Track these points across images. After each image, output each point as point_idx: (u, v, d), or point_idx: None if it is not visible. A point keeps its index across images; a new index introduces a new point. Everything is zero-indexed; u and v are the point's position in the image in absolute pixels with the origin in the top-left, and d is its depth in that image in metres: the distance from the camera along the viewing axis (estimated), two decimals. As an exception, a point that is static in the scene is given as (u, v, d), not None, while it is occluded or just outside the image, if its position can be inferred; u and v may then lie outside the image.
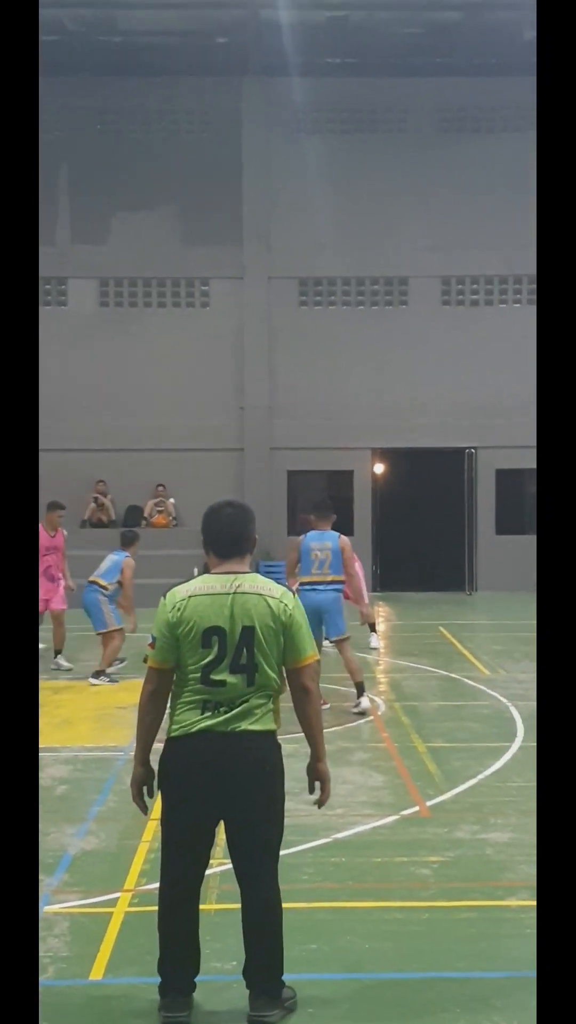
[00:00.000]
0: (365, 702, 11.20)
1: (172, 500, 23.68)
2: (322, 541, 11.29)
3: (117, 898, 6.12)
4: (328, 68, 23.56)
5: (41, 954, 5.35)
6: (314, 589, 11.02)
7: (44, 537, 14.10)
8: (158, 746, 4.78)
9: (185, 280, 24.21)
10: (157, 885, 4.87)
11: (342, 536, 11.45)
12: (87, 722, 10.92)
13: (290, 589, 4.84)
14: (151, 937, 4.87)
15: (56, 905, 6.02)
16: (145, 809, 4.82)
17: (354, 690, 11.25)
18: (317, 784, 4.88)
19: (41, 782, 8.70)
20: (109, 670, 13.02)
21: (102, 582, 13.20)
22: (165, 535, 22.56)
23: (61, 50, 22.38)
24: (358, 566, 12.58)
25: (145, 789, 4.79)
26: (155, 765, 4.78)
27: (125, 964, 5.26)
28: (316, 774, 4.87)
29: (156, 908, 4.80)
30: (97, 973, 5.19)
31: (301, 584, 11.04)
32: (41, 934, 5.60)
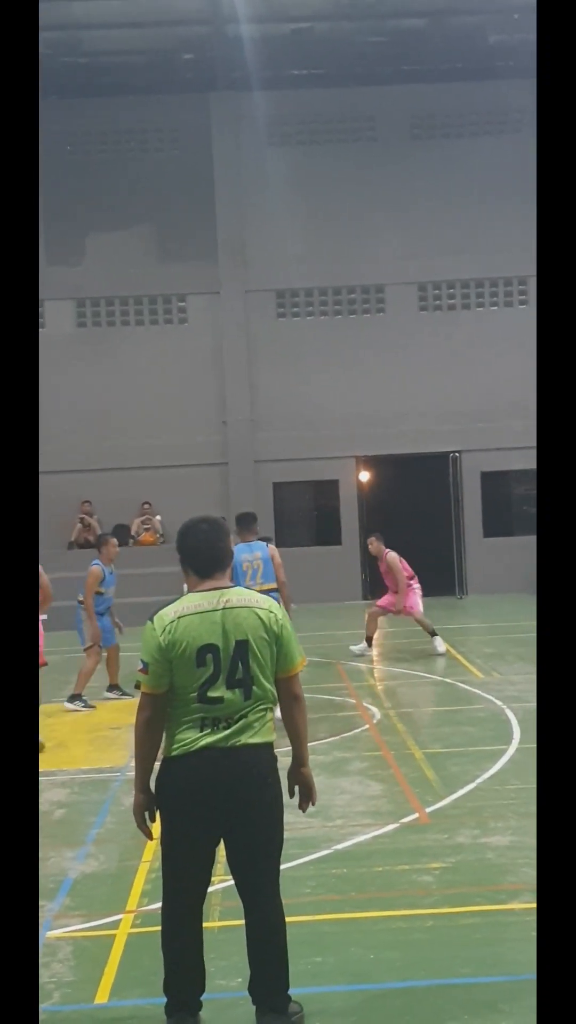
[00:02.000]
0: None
1: (159, 517, 23.65)
2: (252, 552, 11.45)
3: (119, 920, 6.09)
4: (295, 80, 23.66)
5: (45, 980, 5.33)
6: None
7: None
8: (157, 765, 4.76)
9: (162, 297, 24.23)
10: (159, 905, 4.84)
11: (270, 544, 11.65)
12: (82, 744, 10.88)
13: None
14: (155, 958, 4.84)
15: (59, 930, 5.98)
16: (150, 835, 4.78)
17: None
18: (298, 789, 4.89)
19: (40, 807, 8.68)
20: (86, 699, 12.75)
21: (80, 598, 12.93)
22: (152, 553, 22.53)
23: (28, 73, 22.41)
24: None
25: (147, 814, 4.76)
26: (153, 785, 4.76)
27: (130, 986, 5.23)
28: (300, 778, 4.87)
29: (159, 928, 4.77)
30: (102, 996, 5.16)
31: None
32: (44, 959, 5.57)
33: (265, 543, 11.54)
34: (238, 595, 4.73)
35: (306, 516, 24.74)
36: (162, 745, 4.71)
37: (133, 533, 23.61)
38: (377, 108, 24.16)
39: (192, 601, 4.71)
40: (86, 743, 10.91)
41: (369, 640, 15.62)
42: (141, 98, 23.68)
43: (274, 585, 11.38)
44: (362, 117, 24.22)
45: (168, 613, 4.69)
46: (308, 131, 24.20)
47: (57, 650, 14.20)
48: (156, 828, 4.80)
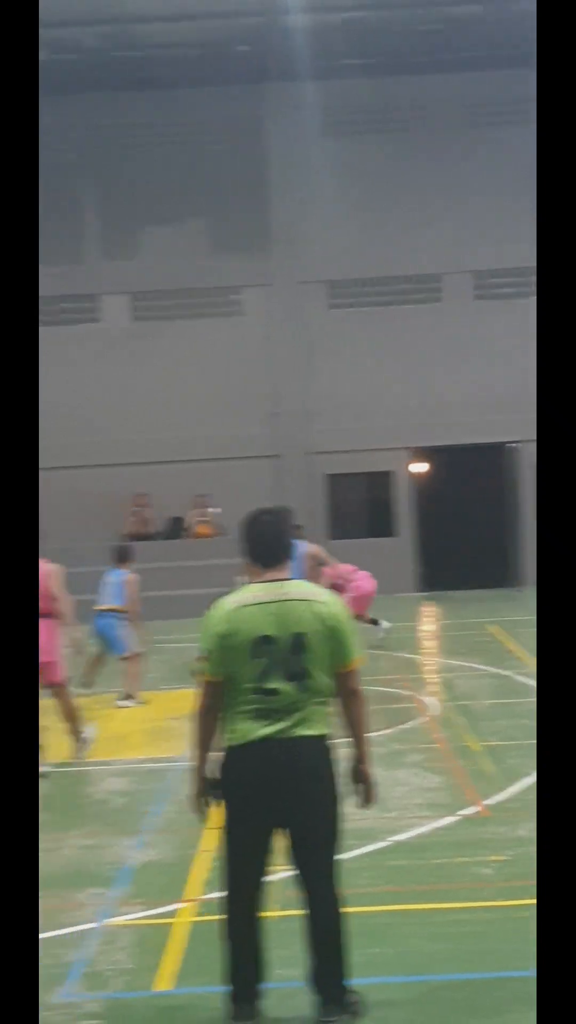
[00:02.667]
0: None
1: (214, 509, 23.72)
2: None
3: (179, 908, 6.13)
4: (348, 70, 23.55)
5: (106, 966, 5.38)
6: None
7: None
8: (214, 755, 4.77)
9: (216, 290, 24.28)
10: (218, 894, 4.87)
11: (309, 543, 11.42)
12: (139, 734, 10.96)
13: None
14: (215, 946, 4.86)
15: (119, 917, 6.03)
16: (205, 821, 4.82)
17: None
18: (360, 786, 4.88)
19: (97, 795, 8.77)
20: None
21: (117, 607, 12.81)
22: (208, 545, 22.59)
23: (81, 68, 22.53)
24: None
25: (204, 800, 4.79)
26: (210, 775, 4.77)
27: (191, 974, 5.26)
28: (360, 775, 4.86)
29: (219, 917, 4.80)
30: (163, 984, 5.19)
31: None
32: (105, 946, 5.63)
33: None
34: (297, 588, 4.74)
35: (359, 508, 24.71)
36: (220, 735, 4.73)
37: (186, 526, 23.71)
38: (431, 96, 24.02)
39: (252, 592, 4.73)
40: (143, 733, 10.99)
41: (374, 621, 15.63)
42: (195, 91, 23.71)
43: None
44: (416, 105, 24.10)
45: (228, 603, 4.72)
46: (361, 120, 24.11)
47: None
48: (213, 815, 4.82)
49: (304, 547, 11.35)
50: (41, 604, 8.90)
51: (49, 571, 9.61)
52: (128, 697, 12.72)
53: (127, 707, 12.52)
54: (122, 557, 13.30)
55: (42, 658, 8.94)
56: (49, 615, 9.41)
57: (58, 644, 9.68)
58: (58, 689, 9.70)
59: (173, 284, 24.17)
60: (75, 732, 9.90)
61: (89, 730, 9.99)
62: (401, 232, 23.80)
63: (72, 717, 9.87)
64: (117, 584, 12.90)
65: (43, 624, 8.99)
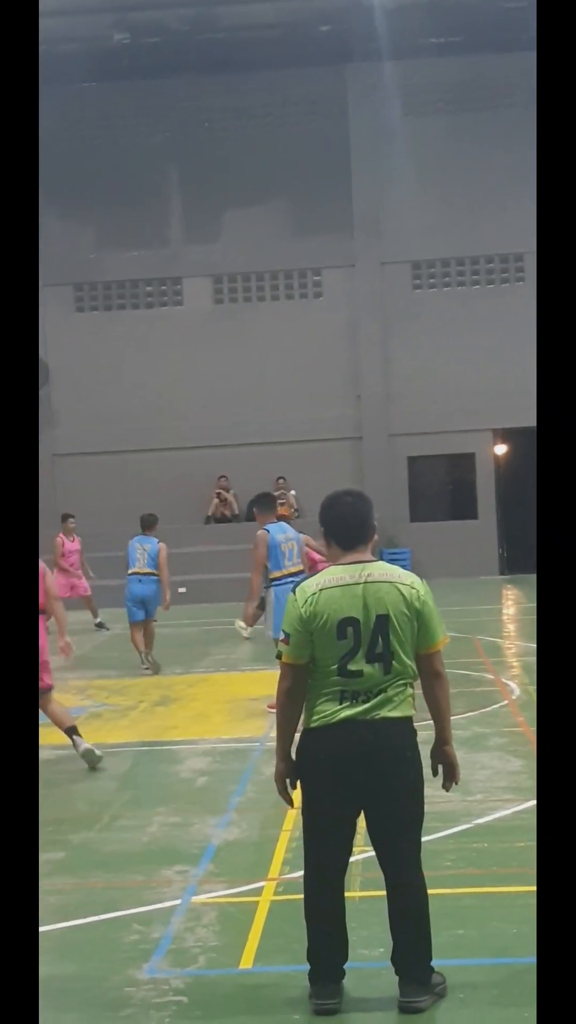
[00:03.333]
0: None
1: (293, 492, 23.77)
2: (284, 532, 11.07)
3: (262, 887, 6.18)
4: (432, 48, 23.35)
5: (191, 943, 5.45)
6: (292, 582, 10.77)
7: (67, 543, 18.10)
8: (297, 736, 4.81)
9: (297, 272, 24.28)
10: (301, 874, 4.89)
11: (303, 534, 11.46)
12: (221, 714, 11.05)
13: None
14: (298, 925, 4.90)
15: (203, 895, 6.10)
16: (291, 802, 4.85)
17: None
18: (441, 768, 4.87)
19: (181, 774, 8.87)
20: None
21: (153, 571, 13.91)
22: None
23: (165, 51, 22.64)
24: None
25: (288, 782, 4.82)
26: (294, 756, 4.81)
27: (274, 952, 5.31)
28: (443, 757, 4.85)
29: (301, 897, 4.83)
30: (247, 962, 5.24)
31: (275, 579, 10.77)
32: (189, 924, 5.70)
33: (288, 524, 11.35)
34: (380, 569, 4.72)
35: (441, 490, 24.60)
36: (302, 716, 4.75)
37: (269, 507, 23.77)
38: (515, 75, 23.68)
39: (334, 574, 4.73)
40: (226, 713, 11.07)
41: None
42: (277, 72, 23.69)
43: (301, 567, 11.02)
44: (500, 84, 23.79)
45: (310, 585, 4.73)
46: (445, 100, 23.90)
47: (197, 622, 14.42)
48: (297, 796, 4.86)
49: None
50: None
51: (43, 571, 8.93)
52: (148, 659, 13.70)
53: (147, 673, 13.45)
54: (150, 524, 14.33)
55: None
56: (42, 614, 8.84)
57: (46, 646, 9.12)
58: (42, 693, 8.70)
59: (255, 266, 24.21)
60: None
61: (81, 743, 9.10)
62: (484, 211, 23.56)
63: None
64: (152, 550, 13.89)
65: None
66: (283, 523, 11.25)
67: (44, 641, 8.91)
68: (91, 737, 10.27)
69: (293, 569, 10.88)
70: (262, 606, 11.58)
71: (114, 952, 5.41)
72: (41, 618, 8.74)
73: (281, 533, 10.98)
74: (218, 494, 23.74)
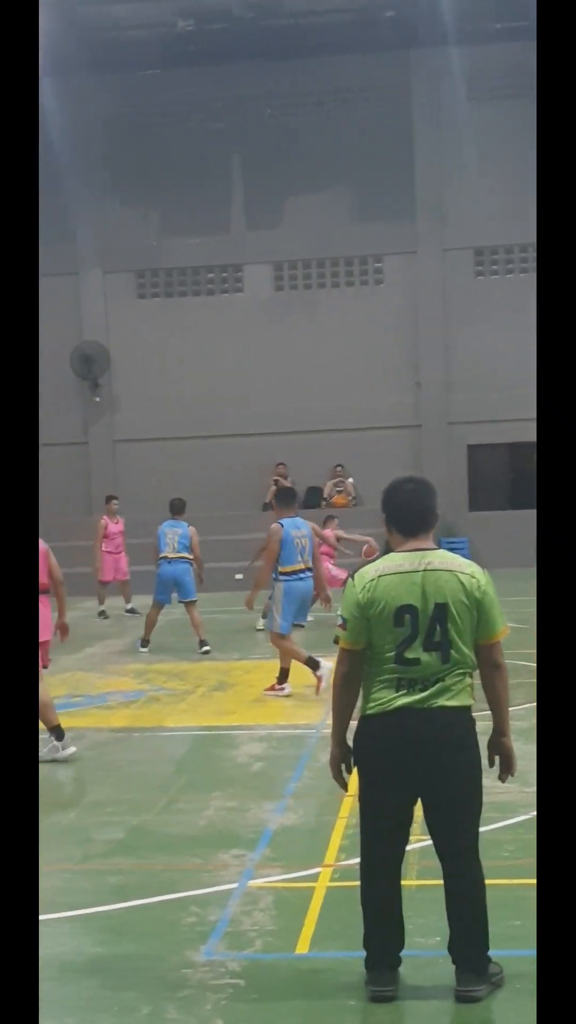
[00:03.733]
0: (288, 688, 11.18)
1: (351, 480, 23.74)
2: (299, 528, 11.09)
3: (318, 873, 6.20)
4: (496, 34, 23.11)
5: (247, 927, 5.49)
6: (301, 578, 11.02)
7: (111, 524, 18.38)
8: (353, 723, 4.81)
9: (358, 258, 24.20)
10: (357, 861, 4.91)
11: (309, 522, 11.48)
12: (278, 701, 11.08)
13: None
14: (354, 912, 4.92)
15: (259, 879, 6.14)
16: (345, 787, 4.88)
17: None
18: (497, 759, 4.85)
19: (238, 759, 8.91)
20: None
21: (187, 555, 14.26)
22: (344, 515, 22.63)
23: (229, 37, 22.62)
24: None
25: (344, 767, 4.83)
26: (350, 742, 4.82)
27: (330, 938, 5.33)
28: (500, 748, 4.84)
29: (357, 884, 4.84)
30: (303, 947, 5.27)
31: (285, 573, 10.92)
32: (246, 907, 5.74)
33: (305, 521, 11.35)
34: (440, 558, 4.70)
35: (501, 479, 24.43)
36: (359, 703, 4.76)
37: (326, 495, 23.79)
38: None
39: (394, 561, 4.72)
40: (282, 699, 11.10)
41: None
42: (341, 58, 23.58)
43: (310, 564, 11.13)
44: (566, 69, 23.49)
45: (369, 571, 4.72)
46: (509, 85, 23.63)
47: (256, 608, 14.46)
48: (352, 782, 4.87)
49: (308, 526, 11.37)
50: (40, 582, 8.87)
51: (45, 552, 9.31)
52: (204, 643, 13.94)
53: (208, 651, 13.81)
54: (180, 509, 14.61)
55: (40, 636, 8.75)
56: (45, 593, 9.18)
57: (49, 625, 9.44)
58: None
59: (316, 253, 24.17)
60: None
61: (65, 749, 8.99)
62: (548, 198, 23.30)
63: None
64: (184, 534, 14.23)
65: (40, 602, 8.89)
66: (298, 519, 11.24)
67: (47, 620, 9.28)
68: (149, 721, 10.39)
69: (303, 566, 11.02)
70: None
71: (172, 933, 5.47)
72: (43, 598, 9.14)
73: (295, 529, 11.05)
74: (275, 481, 23.75)
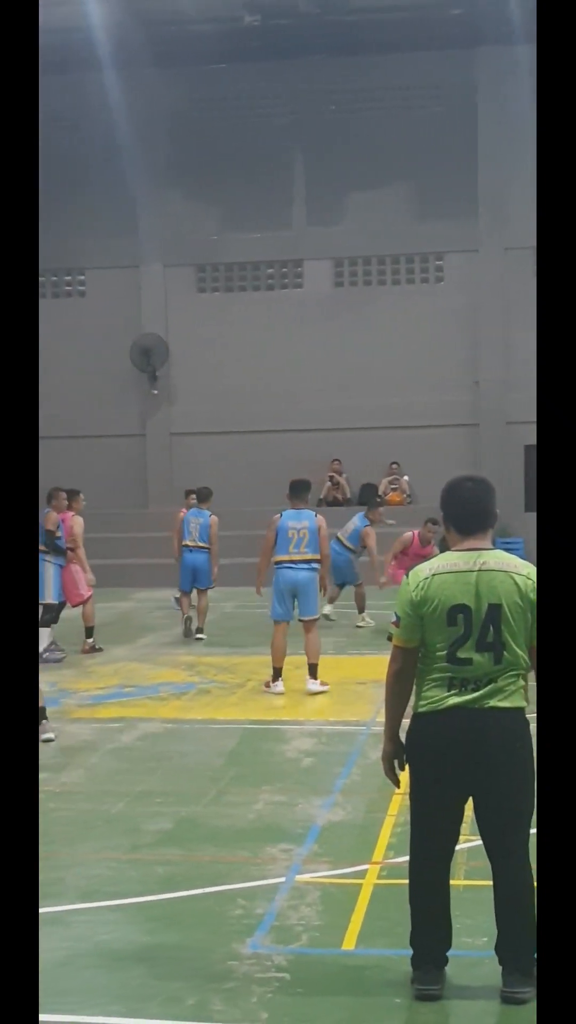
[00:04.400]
0: (314, 686, 11.20)
1: (406, 477, 23.67)
2: (299, 520, 11.25)
3: (366, 870, 6.20)
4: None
5: (294, 921, 5.50)
6: (291, 567, 11.17)
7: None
8: (405, 722, 4.81)
9: (419, 256, 24.11)
10: (405, 858, 4.91)
11: (318, 515, 11.49)
12: (328, 696, 11.08)
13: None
14: (400, 910, 4.92)
15: (307, 874, 6.15)
16: (397, 783, 4.87)
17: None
18: None
19: (287, 754, 8.93)
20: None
21: (206, 544, 14.68)
22: (399, 513, 22.57)
23: (294, 33, 22.61)
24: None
25: (396, 763, 4.83)
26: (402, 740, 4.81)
27: (376, 935, 5.33)
28: None
29: (405, 881, 4.84)
30: (349, 943, 5.28)
31: (277, 562, 11.21)
32: (293, 902, 5.76)
33: (314, 513, 11.52)
34: (496, 558, 4.68)
35: (558, 480, 24.22)
36: (411, 700, 4.76)
37: (380, 492, 23.73)
38: None
39: (449, 559, 4.71)
40: (333, 695, 11.10)
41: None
42: (406, 55, 23.47)
43: (317, 556, 11.25)
44: None
45: (423, 569, 4.71)
46: None
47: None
48: (404, 779, 4.86)
49: (315, 518, 11.47)
50: (76, 550, 13.54)
51: (64, 518, 13.52)
52: (199, 631, 14.63)
53: (202, 639, 14.50)
54: (204, 498, 15.03)
55: (83, 593, 13.68)
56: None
57: (83, 580, 13.63)
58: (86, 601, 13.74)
59: (377, 250, 24.11)
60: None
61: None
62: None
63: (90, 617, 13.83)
64: (205, 524, 14.62)
65: (74, 567, 13.57)
66: (305, 511, 11.41)
67: (80, 574, 13.64)
68: (199, 713, 10.43)
69: (297, 557, 11.18)
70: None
71: (219, 925, 5.49)
72: (72, 555, 13.53)
73: (294, 520, 11.25)
74: (331, 477, 23.77)
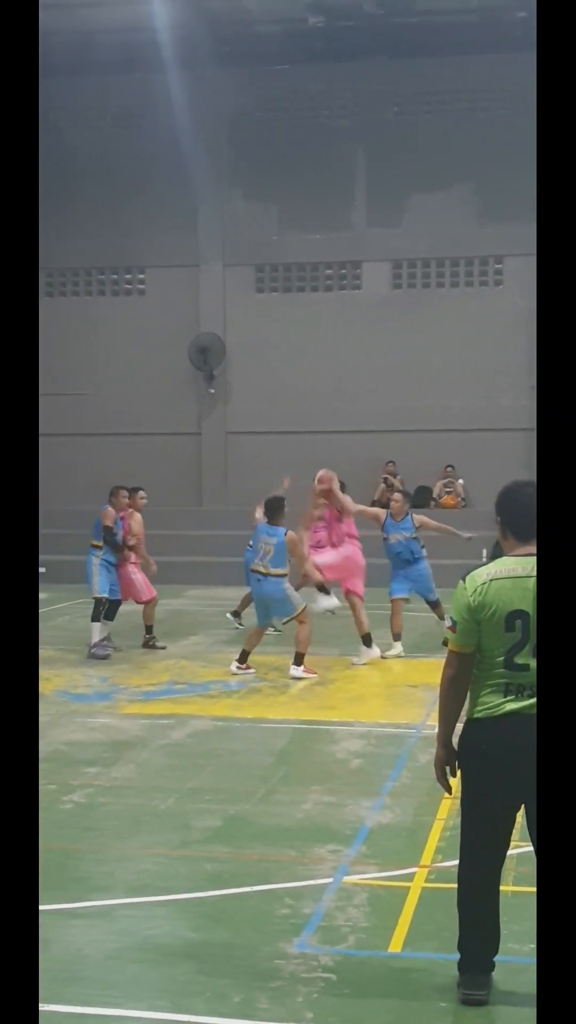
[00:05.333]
0: (296, 671, 11.98)
1: (461, 481, 23.58)
2: (271, 536, 12.07)
3: (414, 873, 6.20)
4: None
5: (341, 922, 5.51)
6: (259, 580, 12.14)
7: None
8: (459, 726, 4.80)
9: (479, 259, 24.00)
10: (454, 863, 4.90)
11: (289, 532, 12.01)
12: (379, 699, 11.08)
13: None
14: (448, 914, 4.91)
15: (355, 876, 6.16)
16: (449, 789, 4.87)
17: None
18: None
19: (336, 755, 8.93)
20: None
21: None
22: (454, 516, 22.48)
23: (358, 35, 22.60)
24: (307, 549, 12.51)
25: (448, 769, 4.82)
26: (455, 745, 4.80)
27: (423, 939, 5.33)
28: None
29: (454, 886, 4.84)
30: (396, 946, 5.28)
31: (252, 570, 12.33)
32: (340, 903, 5.76)
33: (285, 530, 12.01)
34: (553, 564, 4.66)
35: (615, 487, 24.03)
36: (465, 705, 4.74)
37: (435, 496, 23.67)
38: None
39: (507, 565, 4.69)
40: (383, 698, 11.10)
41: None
42: (470, 58, 23.37)
43: (284, 571, 12.04)
44: None
45: (481, 575, 4.70)
46: None
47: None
48: (455, 784, 4.85)
49: (285, 536, 12.16)
50: (136, 547, 13.86)
51: (123, 515, 13.80)
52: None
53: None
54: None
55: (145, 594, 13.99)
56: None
57: (143, 580, 13.97)
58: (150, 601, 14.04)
59: (436, 252, 24.02)
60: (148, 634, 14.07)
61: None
62: None
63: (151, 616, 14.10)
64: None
65: (134, 564, 13.93)
66: (278, 528, 12.06)
67: (139, 574, 14.00)
68: (250, 711, 10.47)
69: (262, 570, 12.06)
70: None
71: (266, 924, 5.51)
72: (130, 553, 13.84)
73: (266, 535, 12.12)
74: (385, 479, 23.70)
